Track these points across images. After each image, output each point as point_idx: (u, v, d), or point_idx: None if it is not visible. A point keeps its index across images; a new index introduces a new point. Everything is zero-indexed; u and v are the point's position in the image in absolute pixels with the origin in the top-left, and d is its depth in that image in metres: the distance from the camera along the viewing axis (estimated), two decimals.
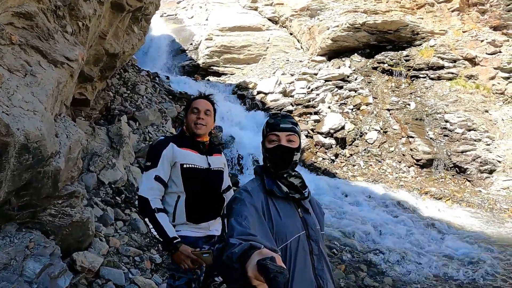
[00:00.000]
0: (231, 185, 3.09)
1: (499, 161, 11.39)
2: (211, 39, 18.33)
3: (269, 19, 19.49)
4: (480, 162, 11.51)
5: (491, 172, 11.44)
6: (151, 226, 2.54)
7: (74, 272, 3.57)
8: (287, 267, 1.67)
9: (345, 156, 12.61)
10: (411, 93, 13.99)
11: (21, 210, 3.07)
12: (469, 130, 12.02)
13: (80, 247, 4.01)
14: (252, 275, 1.20)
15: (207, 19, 19.85)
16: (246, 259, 1.28)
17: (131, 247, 4.87)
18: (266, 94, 14.52)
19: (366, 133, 13.09)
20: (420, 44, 15.16)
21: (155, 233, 2.53)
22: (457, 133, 12.08)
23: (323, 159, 12.23)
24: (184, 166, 2.64)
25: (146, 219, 2.58)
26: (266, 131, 1.94)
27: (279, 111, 13.62)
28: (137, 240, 5.18)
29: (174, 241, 2.48)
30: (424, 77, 14.28)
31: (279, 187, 1.85)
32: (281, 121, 1.91)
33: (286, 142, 1.87)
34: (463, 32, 14.62)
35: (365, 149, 12.74)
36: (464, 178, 11.69)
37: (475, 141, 11.84)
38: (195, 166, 2.68)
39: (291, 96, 14.44)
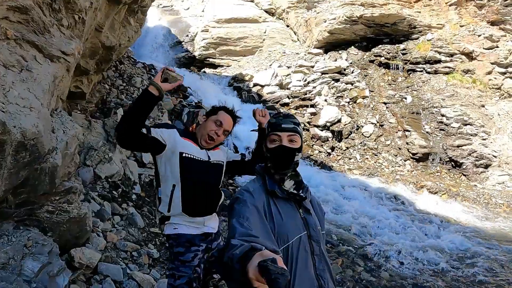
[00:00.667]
0: (244, 154, 3.11)
1: (495, 156, 11.46)
2: (207, 31, 18.21)
3: (266, 11, 19.36)
4: (476, 157, 11.58)
5: (486, 166, 11.51)
6: (132, 111, 2.41)
7: (72, 268, 3.56)
8: (289, 268, 1.67)
9: (341, 149, 12.63)
10: (407, 87, 14.00)
11: (18, 208, 3.03)
12: (465, 125, 12.08)
13: (78, 243, 3.98)
14: (253, 277, 1.20)
15: (203, 11, 19.68)
16: (247, 261, 1.27)
17: (129, 242, 4.86)
18: (262, 86, 14.49)
19: (362, 126, 13.11)
20: (417, 38, 15.15)
21: (135, 107, 2.41)
22: (453, 127, 12.13)
23: (320, 152, 12.25)
24: (184, 155, 2.63)
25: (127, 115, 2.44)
26: (268, 131, 1.92)
27: (276, 103, 13.65)
28: (134, 235, 5.17)
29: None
30: (421, 71, 14.29)
31: (281, 188, 1.84)
32: (282, 121, 1.89)
33: (287, 142, 1.86)
34: (461, 26, 14.60)
35: (361, 142, 12.76)
36: (460, 173, 11.76)
37: (471, 135, 11.90)
38: (195, 157, 2.67)
39: (287, 89, 14.42)
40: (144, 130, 2.50)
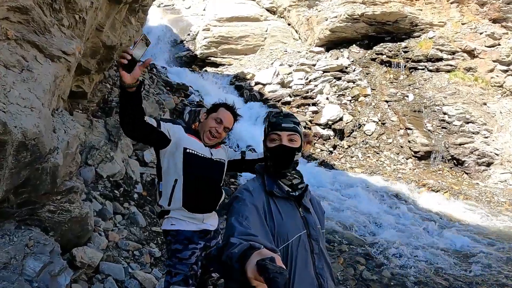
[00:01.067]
0: (244, 151, 3.10)
1: (497, 154, 11.42)
2: (209, 30, 18.17)
3: (267, 10, 19.29)
4: (478, 155, 11.55)
5: (488, 165, 11.48)
6: (121, 109, 2.36)
7: (73, 268, 3.57)
8: (288, 267, 1.68)
9: (343, 147, 12.62)
10: (409, 85, 13.95)
11: (20, 208, 3.04)
12: (467, 123, 12.04)
13: (79, 243, 4.00)
14: (252, 276, 1.20)
15: (204, 10, 19.65)
16: (245, 259, 1.28)
17: (130, 241, 4.88)
18: (264, 85, 14.46)
19: (364, 125, 13.09)
20: (419, 36, 15.08)
21: (122, 106, 2.34)
22: (455, 125, 12.10)
23: (321, 150, 12.23)
24: (187, 150, 2.66)
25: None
26: (268, 130, 1.93)
27: (277, 102, 13.62)
28: (136, 234, 5.18)
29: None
30: (423, 69, 14.23)
31: (280, 187, 1.85)
32: (282, 120, 1.90)
33: (287, 141, 1.86)
34: (462, 24, 14.51)
35: (363, 141, 12.74)
36: (461, 171, 11.73)
37: (473, 133, 11.87)
38: (198, 153, 2.70)
39: (289, 87, 14.38)
40: (154, 123, 2.51)
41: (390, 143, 12.65)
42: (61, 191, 3.55)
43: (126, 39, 6.33)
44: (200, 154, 2.71)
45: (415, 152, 12.16)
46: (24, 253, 2.82)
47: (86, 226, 4.05)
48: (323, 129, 12.74)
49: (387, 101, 13.64)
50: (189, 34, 18.89)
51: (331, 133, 12.73)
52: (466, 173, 11.63)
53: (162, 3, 20.57)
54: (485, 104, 12.64)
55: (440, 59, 13.94)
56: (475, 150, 11.60)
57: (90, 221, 4.11)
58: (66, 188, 3.63)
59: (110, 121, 6.63)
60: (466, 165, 11.64)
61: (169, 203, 2.66)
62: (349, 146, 12.64)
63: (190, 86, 12.58)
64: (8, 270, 2.57)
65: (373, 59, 15.17)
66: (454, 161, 11.87)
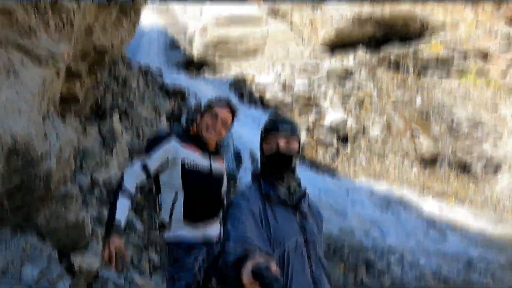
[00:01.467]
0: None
1: (505, 159, 11.20)
2: (206, 31, 18.01)
3: (268, 11, 19.09)
4: (486, 160, 11.34)
5: (496, 170, 11.22)
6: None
7: (71, 273, 3.54)
8: (285, 272, 1.68)
9: (347, 152, 12.44)
10: (417, 88, 13.66)
11: (15, 213, 3.08)
12: (476, 127, 11.80)
13: (77, 248, 3.97)
14: (247, 282, 1.22)
15: (201, 12, 19.53)
16: (241, 266, 1.29)
17: (129, 247, 4.84)
18: (264, 88, 14.31)
19: (369, 129, 12.88)
20: (429, 38, 14.60)
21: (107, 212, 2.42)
22: (464, 129, 11.87)
23: (324, 155, 12.07)
24: (185, 162, 2.62)
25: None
26: (264, 133, 1.94)
27: (279, 106, 13.50)
28: (134, 240, 5.17)
29: (114, 224, 2.30)
30: (432, 72, 13.87)
31: (277, 192, 1.85)
32: (279, 124, 1.92)
33: (284, 145, 1.86)
34: (475, 26, 14.03)
35: (367, 146, 12.55)
36: (468, 176, 11.51)
37: (482, 138, 11.62)
38: (196, 163, 2.67)
39: (291, 91, 14.20)
40: (143, 177, 2.53)
41: (395, 148, 12.45)
42: (56, 197, 3.57)
43: (117, 41, 6.26)
44: (198, 164, 2.68)
45: (421, 157, 11.96)
46: (21, 259, 2.85)
47: (83, 232, 4.02)
48: (326, 133, 12.59)
49: (393, 105, 13.43)
50: (185, 36, 18.75)
51: (334, 137, 12.57)
52: (473, 179, 11.42)
53: (157, 5, 20.40)
54: (496, 107, 12.39)
55: (451, 62, 13.57)
56: (482, 155, 11.39)
57: (86, 227, 4.09)
58: (61, 194, 3.65)
59: (104, 126, 6.58)
60: (473, 170, 11.43)
61: (170, 216, 2.63)
62: (353, 151, 12.47)
63: (187, 90, 12.50)
64: (6, 277, 2.60)
65: (380, 62, 14.82)
66: (461, 166, 11.68)
